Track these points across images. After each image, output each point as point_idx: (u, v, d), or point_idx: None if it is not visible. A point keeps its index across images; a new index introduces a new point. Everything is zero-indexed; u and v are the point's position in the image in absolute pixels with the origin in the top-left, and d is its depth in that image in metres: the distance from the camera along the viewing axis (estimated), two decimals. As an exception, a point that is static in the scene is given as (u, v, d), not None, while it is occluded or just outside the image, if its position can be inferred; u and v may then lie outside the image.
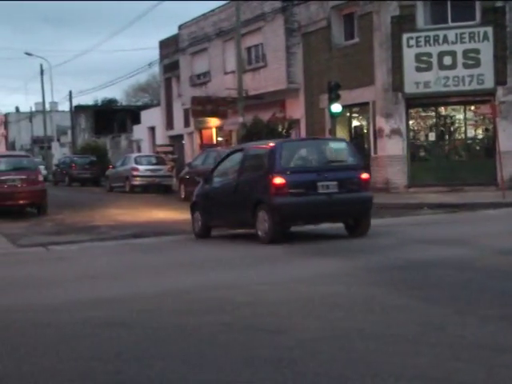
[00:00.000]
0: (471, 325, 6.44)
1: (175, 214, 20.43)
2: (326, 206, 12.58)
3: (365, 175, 13.24)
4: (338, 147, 13.82)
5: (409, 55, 24.55)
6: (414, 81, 24.57)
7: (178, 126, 42.94)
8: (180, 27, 40.23)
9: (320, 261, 10.68)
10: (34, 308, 7.99)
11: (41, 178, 22.29)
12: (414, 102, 25.11)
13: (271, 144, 13.39)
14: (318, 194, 12.53)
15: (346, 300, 7.76)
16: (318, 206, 12.55)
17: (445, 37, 24.22)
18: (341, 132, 27.64)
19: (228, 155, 15.01)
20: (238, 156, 14.21)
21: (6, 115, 77.47)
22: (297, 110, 30.22)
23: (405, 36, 24.54)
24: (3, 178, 21.40)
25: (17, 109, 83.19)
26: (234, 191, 13.54)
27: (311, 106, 29.35)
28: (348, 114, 27.52)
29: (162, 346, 6.11)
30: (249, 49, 33.24)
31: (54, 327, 7.04)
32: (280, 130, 27.03)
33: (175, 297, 8.30)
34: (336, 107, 23.46)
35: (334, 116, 24.42)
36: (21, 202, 21.68)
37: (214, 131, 38.74)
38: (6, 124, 74.71)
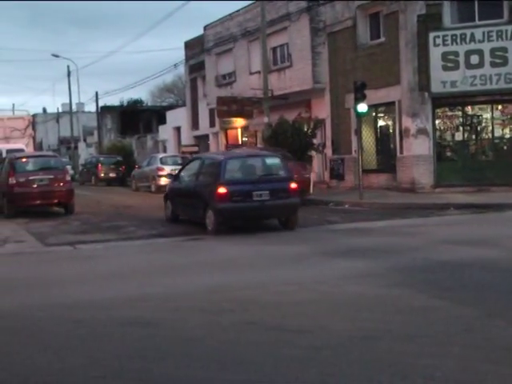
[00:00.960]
0: (499, 327, 6.39)
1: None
2: (259, 210, 15.49)
3: (293, 185, 15.94)
4: (273, 162, 16.65)
5: (435, 54, 24.37)
6: (441, 80, 24.39)
7: (204, 126, 43.02)
8: (205, 28, 40.30)
9: (346, 261, 10.65)
10: (63, 306, 8.05)
11: (68, 178, 22.44)
12: (441, 101, 24.93)
13: (220, 158, 16.45)
14: (252, 201, 15.33)
15: (373, 301, 7.72)
16: (252, 210, 15.45)
17: (472, 35, 24.01)
18: (366, 132, 27.53)
19: (191, 161, 18.51)
20: (197, 163, 17.54)
21: (34, 116, 78.15)
22: (322, 109, 30.15)
23: (431, 35, 24.36)
24: (31, 177, 21.59)
25: (44, 110, 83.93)
26: (192, 191, 16.79)
27: (337, 106, 29.26)
28: (374, 114, 27.39)
29: (189, 345, 6.12)
30: (274, 49, 33.20)
31: (83, 325, 7.08)
32: (305, 130, 26.95)
33: (201, 296, 8.31)
34: (362, 107, 23.36)
35: (359, 116, 24.31)
36: (48, 201, 21.85)
37: (239, 131, 38.74)
38: (33, 125, 75.31)
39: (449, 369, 5.21)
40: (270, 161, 16.83)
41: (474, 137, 25.37)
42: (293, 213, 16.07)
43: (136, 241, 14.81)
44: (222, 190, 15.37)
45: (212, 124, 41.29)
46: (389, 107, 26.78)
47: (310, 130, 26.95)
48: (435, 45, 24.39)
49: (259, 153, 18.68)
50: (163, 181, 33.06)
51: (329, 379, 5.09)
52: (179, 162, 34.27)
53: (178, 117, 47.85)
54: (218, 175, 15.66)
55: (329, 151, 29.64)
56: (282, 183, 15.93)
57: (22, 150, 27.32)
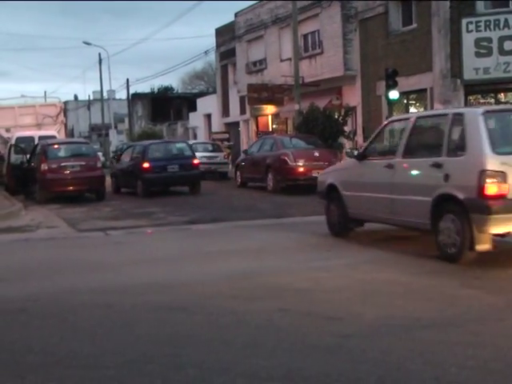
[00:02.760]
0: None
1: (229, 201, 20.49)
2: (171, 179, 23.57)
3: (195, 161, 24.14)
4: (181, 146, 25.35)
5: (468, 40, 24.06)
6: (473, 67, 24.08)
7: (234, 114, 43.02)
8: (236, 14, 40.22)
9: (376, 248, 10.59)
10: (95, 291, 8.11)
11: (99, 165, 22.59)
12: (473, 88, 24.63)
13: (145, 143, 25.37)
14: (167, 172, 23.37)
15: (404, 288, 7.67)
16: (167, 179, 23.54)
17: (506, 21, 23.65)
18: (398, 119, 27.32)
19: (127, 148, 27.41)
20: (131, 149, 25.89)
21: (65, 103, 78.73)
22: (353, 97, 29.98)
23: (464, 21, 24.05)
24: (63, 164, 21.78)
25: (75, 97, 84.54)
26: (128, 169, 24.39)
27: (368, 93, 29.08)
28: (405, 101, 27.17)
29: (221, 331, 6.14)
30: (305, 36, 33.04)
31: (115, 310, 7.13)
32: (336, 117, 26.85)
33: (232, 282, 8.33)
34: (393, 94, 23.19)
35: (390, 103, 24.14)
36: (80, 187, 22.02)
37: (269, 118, 38.69)
38: (65, 112, 75.85)
39: (481, 358, 5.16)
40: (179, 145, 25.65)
41: (507, 124, 25.05)
42: (196, 181, 23.87)
43: (167, 227, 14.87)
44: (146, 164, 23.28)
45: (243, 111, 41.26)
46: (420, 94, 26.55)
47: (340, 118, 26.85)
48: (468, 31, 24.08)
49: (172, 140, 28.29)
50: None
51: (360, 366, 5.07)
52: (210, 148, 34.27)
53: (208, 104, 47.89)
54: (144, 155, 23.71)
55: (360, 139, 29.46)
56: (188, 160, 23.97)
57: (53, 137, 27.51)
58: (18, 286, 8.67)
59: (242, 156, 27.82)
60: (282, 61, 35.08)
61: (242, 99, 40.08)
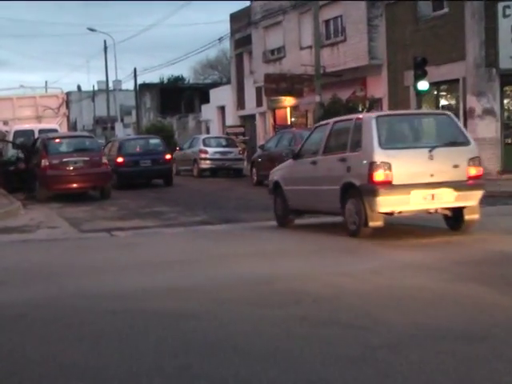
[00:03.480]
0: None
1: (245, 200, 20.48)
2: (144, 172, 27.56)
3: (168, 156, 28.68)
4: (155, 142, 29.73)
5: (504, 26, 23.89)
6: (510, 55, 23.92)
7: (250, 106, 43.03)
8: (252, -1, 40.23)
9: (404, 252, 10.53)
10: (99, 296, 8.10)
11: (104, 160, 22.64)
12: (510, 78, 24.47)
13: (120, 139, 28.70)
14: (140, 166, 27.43)
15: (435, 295, 7.61)
16: (140, 173, 27.53)
17: (546, 5, 23.51)
18: (427, 112, 27.21)
19: (108, 143, 30.97)
20: (110, 144, 29.90)
21: (68, 94, 79.03)
22: (379, 88, 29.89)
23: (500, 5, 23.88)
24: (65, 159, 21.83)
25: (78, 87, 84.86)
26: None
27: (395, 84, 28.98)
28: (435, 93, 27.06)
29: (235, 341, 6.10)
30: (327, 22, 33.00)
31: (120, 317, 7.12)
32: (360, 110, 26.79)
33: (249, 287, 8.30)
34: (422, 85, 23.09)
35: (419, 94, 24.04)
36: (83, 184, 22.09)
37: (288, 111, 38.68)
38: (67, 103, 76.12)
39: (521, 372, 5.09)
40: (152, 141, 30.07)
41: (546, 118, 24.91)
42: (168, 174, 28.28)
43: (177, 228, 14.87)
44: (120, 159, 27.35)
45: (259, 103, 41.27)
46: (452, 85, 26.43)
47: (365, 110, 26.77)
48: (505, 16, 23.92)
49: (146, 136, 32.88)
50: (206, 164, 33.13)
51: (387, 381, 5.01)
52: (224, 143, 34.30)
53: (222, 95, 47.94)
54: (118, 151, 27.91)
55: (385, 133, 29.36)
56: (160, 155, 28.23)
57: (55, 131, 27.64)
58: (17, 291, 8.69)
59: (259, 152, 27.85)
60: (301, 49, 35.05)
61: (258, 90, 40.07)
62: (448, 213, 12.12)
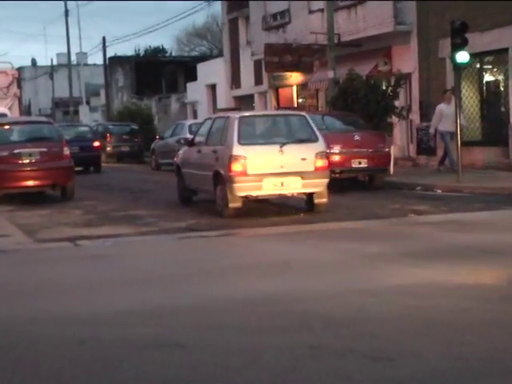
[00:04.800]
0: None
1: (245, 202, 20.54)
2: (74, 159, 25.14)
3: (96, 144, 35.19)
4: (83, 129, 36.41)
5: None
6: None
7: (247, 84, 43.08)
8: (249, -50, 40.28)
9: (438, 265, 10.58)
10: (61, 321, 8.12)
11: (66, 152, 22.54)
12: None
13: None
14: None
15: (478, 320, 7.65)
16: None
17: None
18: (468, 90, 27.26)
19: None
20: None
21: (20, 70, 79.05)
22: (407, 60, 29.90)
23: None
24: (17, 151, 21.72)
25: (33, 62, 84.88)
26: None
27: (427, 56, 28.99)
28: (478, 66, 27.10)
29: (227, 374, 6.14)
30: (342, -22, 33.01)
31: (89, 346, 7.14)
32: (384, 88, 26.79)
33: (246, 309, 8.34)
34: (462, 56, 23.08)
35: (458, 68, 24.03)
36: (40, 182, 21.99)
37: (294, 90, 38.72)
38: (18, 81, 76.02)
39: None
40: (81, 128, 37.82)
41: None
42: (97, 162, 34.76)
43: (157, 236, 14.91)
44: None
45: (258, 81, 41.33)
46: (499, 56, 26.43)
47: (390, 89, 26.79)
48: None
49: (74, 123, 40.53)
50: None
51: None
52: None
53: (212, 71, 47.99)
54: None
55: (416, 117, 29.44)
56: (88, 142, 34.59)
57: (4, 115, 27.63)
58: (-41, 315, 8.70)
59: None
60: (310, 12, 35.06)
61: (257, 64, 40.11)
62: (304, 197, 17.79)
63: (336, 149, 22.08)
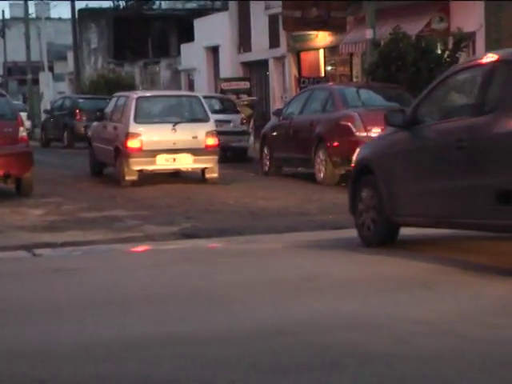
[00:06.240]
0: None
1: (252, 199, 20.54)
2: None
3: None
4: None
5: None
6: None
7: (259, 47, 43.12)
8: None
9: (501, 285, 10.57)
10: (14, 355, 8.12)
11: (23, 134, 22.55)
12: None
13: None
14: None
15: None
16: None
17: None
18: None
19: None
20: None
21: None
22: (470, 16, 29.90)
23: None
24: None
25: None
26: None
27: (496, 10, 28.95)
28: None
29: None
30: None
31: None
32: (440, 52, 26.76)
33: (253, 341, 8.33)
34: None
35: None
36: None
37: (321, 55, 38.77)
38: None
39: None
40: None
41: None
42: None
43: (141, 243, 14.92)
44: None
45: (274, 42, 41.42)
46: None
47: (447, 53, 26.78)
48: None
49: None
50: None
51: None
52: (217, 108, 34.30)
53: (214, 29, 48.03)
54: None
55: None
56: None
57: None
58: None
59: (274, 121, 27.89)
60: (343, -47, 35.08)
61: (272, 21, 40.15)
62: (199, 172, 25.13)
63: (375, 131, 21.78)
